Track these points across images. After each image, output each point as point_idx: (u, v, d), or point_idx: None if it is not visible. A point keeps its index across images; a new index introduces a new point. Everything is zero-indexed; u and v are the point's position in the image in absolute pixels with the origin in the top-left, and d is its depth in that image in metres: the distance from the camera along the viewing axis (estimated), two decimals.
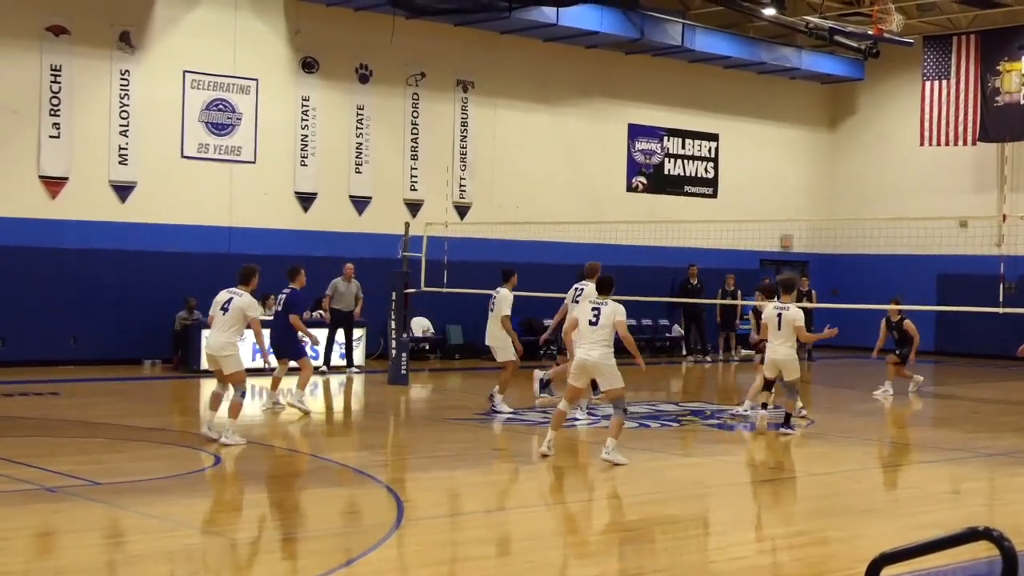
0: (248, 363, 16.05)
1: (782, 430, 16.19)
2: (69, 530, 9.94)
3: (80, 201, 23.69)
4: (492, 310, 18.39)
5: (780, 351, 16.41)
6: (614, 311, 13.46)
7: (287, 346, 17.85)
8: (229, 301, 14.61)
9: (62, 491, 11.31)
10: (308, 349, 21.69)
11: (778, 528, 10.95)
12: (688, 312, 30.12)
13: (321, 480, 12.74)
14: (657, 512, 11.57)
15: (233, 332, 14.47)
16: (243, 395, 14.41)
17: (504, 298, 18.30)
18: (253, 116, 25.64)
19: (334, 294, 24.21)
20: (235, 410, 14.25)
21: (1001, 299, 17.56)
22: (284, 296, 18.15)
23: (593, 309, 13.52)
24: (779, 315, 16.52)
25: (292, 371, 18.12)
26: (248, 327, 14.68)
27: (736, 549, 9.92)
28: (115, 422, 14.70)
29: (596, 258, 29.15)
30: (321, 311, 24.34)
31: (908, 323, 21.04)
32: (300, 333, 18.06)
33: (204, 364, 22.98)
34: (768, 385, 16.98)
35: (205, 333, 23.07)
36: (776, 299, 16.97)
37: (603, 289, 14.08)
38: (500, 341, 18.25)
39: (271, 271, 23.36)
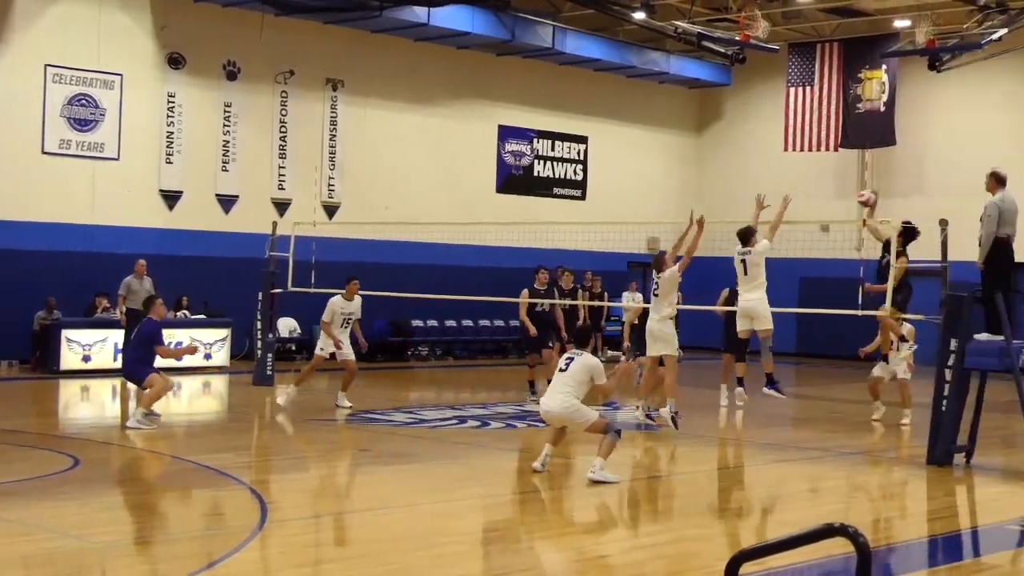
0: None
1: (767, 391, 16.26)
2: None
3: None
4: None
5: (750, 298, 16.17)
6: (586, 366, 12.74)
7: (140, 376, 16.77)
8: None
9: None
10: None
11: (640, 527, 11.06)
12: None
13: (183, 482, 12.56)
14: (521, 511, 11.62)
15: None
16: None
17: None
18: (117, 112, 25.19)
19: (127, 293, 22.38)
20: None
21: (860, 302, 17.89)
22: (139, 328, 16.83)
23: (567, 358, 12.99)
24: (743, 260, 16.28)
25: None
26: None
27: (600, 548, 9.99)
28: None
29: (467, 258, 29.28)
30: (120, 310, 22.72)
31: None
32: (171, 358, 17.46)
33: (64, 365, 22.70)
34: (740, 351, 16.55)
35: (67, 334, 22.87)
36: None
37: (581, 343, 13.32)
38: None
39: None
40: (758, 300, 16.33)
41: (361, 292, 18.80)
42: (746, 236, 16.70)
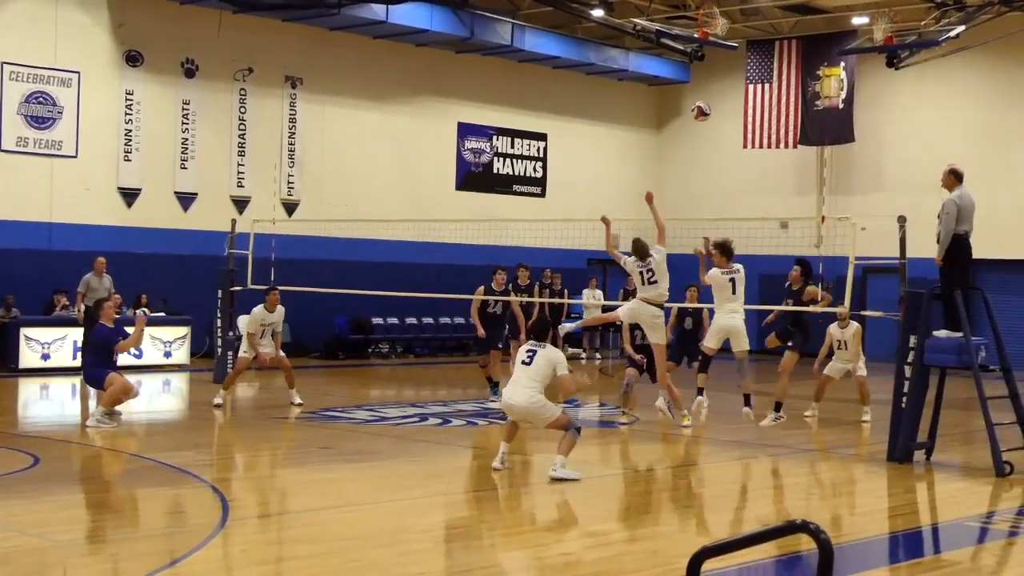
0: None
1: (746, 411, 16.32)
2: None
3: None
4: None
5: (735, 316, 16.00)
6: (549, 359, 12.63)
7: (101, 378, 16.72)
8: None
9: None
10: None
11: (604, 524, 11.07)
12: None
13: (144, 480, 12.49)
14: (483, 509, 11.62)
15: None
16: None
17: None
18: (75, 110, 25.02)
19: (86, 291, 22.27)
20: None
21: (819, 298, 18.00)
22: (92, 334, 17.06)
23: (528, 351, 12.79)
24: (731, 279, 16.03)
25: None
26: None
27: (563, 545, 10.00)
28: None
29: (427, 256, 29.23)
30: (79, 308, 22.47)
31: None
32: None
33: (23, 363, 22.53)
34: (704, 365, 16.72)
35: (26, 332, 22.69)
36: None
37: (540, 337, 13.03)
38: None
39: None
40: (741, 319, 16.25)
41: (321, 289, 18.81)
42: (732, 251, 16.38)
